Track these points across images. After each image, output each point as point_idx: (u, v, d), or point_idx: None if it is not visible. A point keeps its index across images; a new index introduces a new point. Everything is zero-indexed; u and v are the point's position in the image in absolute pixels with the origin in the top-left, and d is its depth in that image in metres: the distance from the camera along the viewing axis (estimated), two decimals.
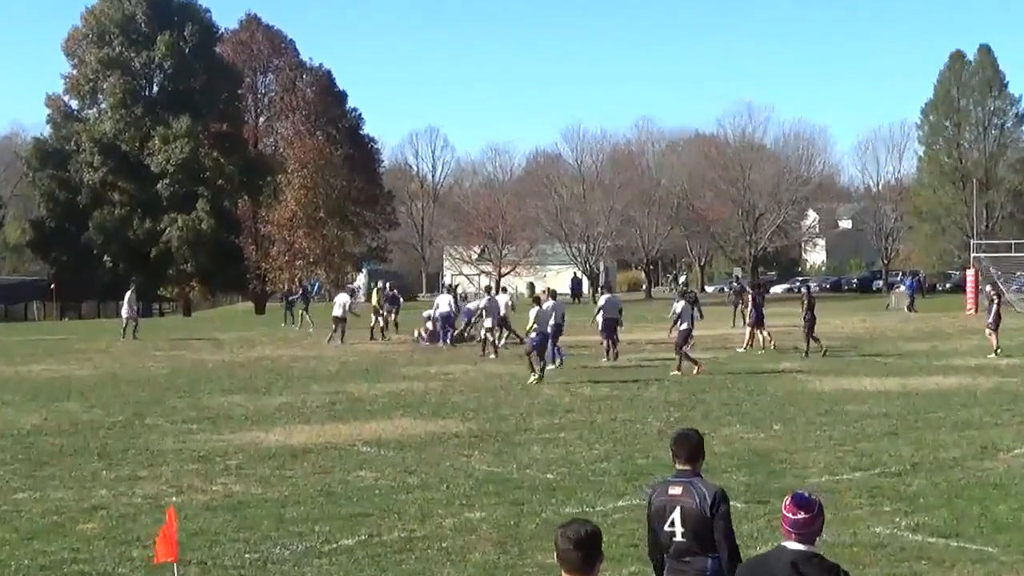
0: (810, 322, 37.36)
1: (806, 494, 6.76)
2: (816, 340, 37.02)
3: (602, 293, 45.76)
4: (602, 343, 36.72)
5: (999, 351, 36.03)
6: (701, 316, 43.20)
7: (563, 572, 6.39)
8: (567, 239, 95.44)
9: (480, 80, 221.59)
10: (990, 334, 36.80)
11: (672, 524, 8.06)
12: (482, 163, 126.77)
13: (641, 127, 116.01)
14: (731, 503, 8.24)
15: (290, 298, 59.21)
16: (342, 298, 46.24)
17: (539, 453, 19.50)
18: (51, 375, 34.25)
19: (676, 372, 31.36)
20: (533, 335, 31.03)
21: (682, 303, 33.86)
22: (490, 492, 16.26)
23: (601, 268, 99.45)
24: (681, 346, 32.40)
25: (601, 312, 37.37)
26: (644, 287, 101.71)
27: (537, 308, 31.68)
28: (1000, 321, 37.18)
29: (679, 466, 8.29)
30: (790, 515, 6.63)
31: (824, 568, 6.59)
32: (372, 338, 45.52)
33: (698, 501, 8.02)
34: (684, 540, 8.04)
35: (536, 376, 29.93)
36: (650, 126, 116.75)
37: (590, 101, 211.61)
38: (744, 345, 39.43)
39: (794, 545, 6.61)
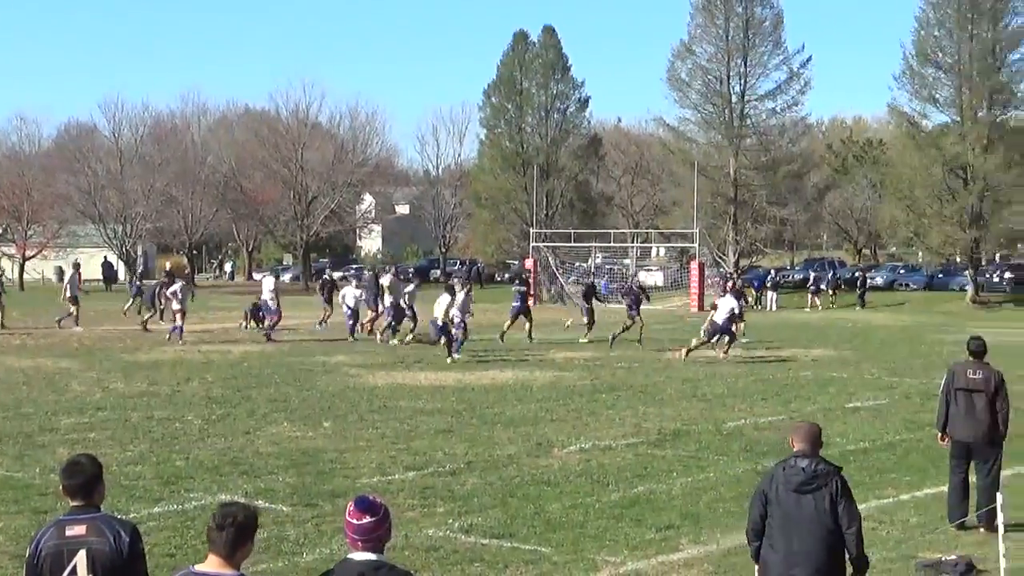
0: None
1: (370, 497, 6.58)
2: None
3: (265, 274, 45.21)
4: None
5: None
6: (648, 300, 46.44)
7: (209, 552, 6.49)
8: (101, 219, 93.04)
9: (4, 39, 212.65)
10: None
11: (74, 572, 7.00)
12: (6, 133, 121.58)
13: (187, 100, 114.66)
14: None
15: None
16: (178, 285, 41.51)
17: (65, 455, 18.94)
18: None
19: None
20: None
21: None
22: (8, 499, 15.76)
23: (139, 252, 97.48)
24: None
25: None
26: (187, 273, 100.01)
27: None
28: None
29: (75, 502, 7.24)
30: (355, 521, 6.45)
31: None
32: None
33: (112, 540, 7.05)
34: None
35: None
36: (197, 99, 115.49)
37: (132, 70, 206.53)
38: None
39: (361, 555, 6.45)
